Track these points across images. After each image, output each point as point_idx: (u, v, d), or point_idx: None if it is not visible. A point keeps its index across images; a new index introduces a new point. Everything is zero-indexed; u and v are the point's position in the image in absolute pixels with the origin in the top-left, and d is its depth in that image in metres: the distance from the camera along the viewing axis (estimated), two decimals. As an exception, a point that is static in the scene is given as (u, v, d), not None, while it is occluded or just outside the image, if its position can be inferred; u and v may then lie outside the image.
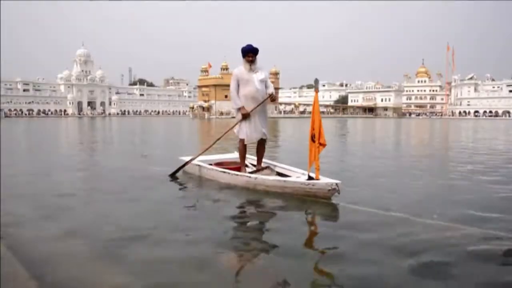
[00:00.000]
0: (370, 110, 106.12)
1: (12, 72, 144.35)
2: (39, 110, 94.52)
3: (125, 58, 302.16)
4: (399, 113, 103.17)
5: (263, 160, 5.32)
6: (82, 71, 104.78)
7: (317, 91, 4.26)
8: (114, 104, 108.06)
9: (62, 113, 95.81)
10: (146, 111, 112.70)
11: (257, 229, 3.29)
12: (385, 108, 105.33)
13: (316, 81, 4.27)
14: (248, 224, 3.40)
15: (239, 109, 4.99)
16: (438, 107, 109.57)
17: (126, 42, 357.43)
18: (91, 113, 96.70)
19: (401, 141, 16.05)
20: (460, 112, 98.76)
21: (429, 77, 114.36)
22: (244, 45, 4.96)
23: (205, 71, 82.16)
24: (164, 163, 6.66)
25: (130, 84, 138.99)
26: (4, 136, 16.99)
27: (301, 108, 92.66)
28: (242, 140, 5.06)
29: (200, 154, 5.53)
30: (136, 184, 5.07)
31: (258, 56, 4.96)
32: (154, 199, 4.18)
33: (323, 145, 4.12)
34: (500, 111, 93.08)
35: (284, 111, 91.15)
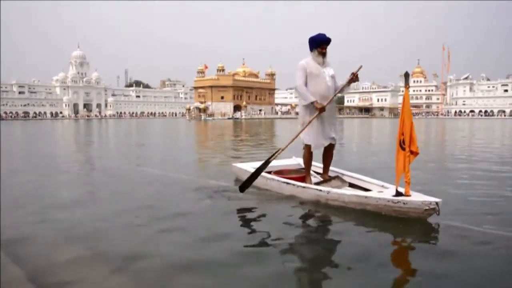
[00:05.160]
0: (366, 110, 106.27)
1: (7, 74, 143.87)
2: (34, 113, 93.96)
3: (121, 60, 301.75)
4: (395, 113, 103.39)
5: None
6: (78, 73, 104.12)
7: (407, 87, 3.48)
8: (110, 106, 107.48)
9: (58, 115, 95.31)
10: (142, 112, 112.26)
11: (334, 257, 2.73)
12: (381, 108, 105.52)
13: (407, 75, 3.53)
14: (321, 250, 2.86)
15: (307, 107, 4.26)
16: (434, 107, 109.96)
17: (122, 44, 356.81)
18: (87, 115, 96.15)
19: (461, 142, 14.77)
20: (455, 112, 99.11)
21: (425, 77, 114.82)
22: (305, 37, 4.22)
23: (201, 72, 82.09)
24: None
25: (126, 86, 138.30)
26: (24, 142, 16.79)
27: (298, 109, 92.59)
28: (308, 147, 4.37)
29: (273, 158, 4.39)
30: (185, 196, 4.54)
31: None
32: (205, 213, 3.69)
33: (415, 153, 3.39)
34: (495, 111, 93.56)
35: (281, 112, 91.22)
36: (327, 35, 4.23)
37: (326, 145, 4.40)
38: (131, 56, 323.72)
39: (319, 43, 4.21)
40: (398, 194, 3.46)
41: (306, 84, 4.24)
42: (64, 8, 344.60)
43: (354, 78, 4.19)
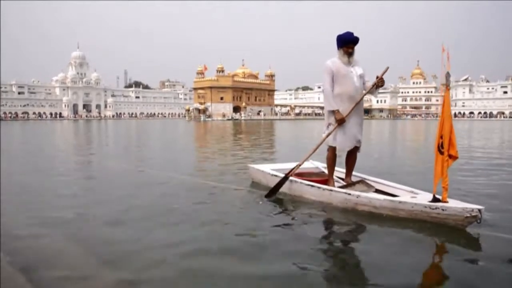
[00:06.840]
0: (366, 111, 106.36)
1: (7, 74, 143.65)
2: (34, 113, 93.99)
3: (121, 61, 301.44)
4: (394, 114, 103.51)
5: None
6: (77, 73, 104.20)
7: (448, 88, 3.34)
8: (110, 106, 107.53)
9: (58, 116, 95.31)
10: (141, 113, 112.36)
11: (359, 264, 2.60)
12: (381, 110, 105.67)
13: (448, 75, 3.36)
14: (350, 262, 2.68)
15: (332, 111, 4.12)
16: (433, 108, 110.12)
17: (122, 44, 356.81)
18: (86, 116, 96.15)
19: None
20: (455, 113, 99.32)
21: (424, 79, 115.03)
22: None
23: (201, 73, 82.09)
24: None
25: (126, 87, 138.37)
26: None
27: (297, 110, 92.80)
28: (333, 149, 4.21)
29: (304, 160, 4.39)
30: (189, 196, 4.41)
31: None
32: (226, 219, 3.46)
33: (454, 157, 3.21)
34: (494, 112, 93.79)
35: (281, 113, 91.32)
36: (355, 34, 4.07)
37: (352, 148, 4.21)
38: (130, 56, 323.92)
39: (345, 42, 4.05)
40: (435, 200, 3.25)
41: (333, 87, 4.10)
42: (64, 9, 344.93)
43: (379, 82, 4.02)
